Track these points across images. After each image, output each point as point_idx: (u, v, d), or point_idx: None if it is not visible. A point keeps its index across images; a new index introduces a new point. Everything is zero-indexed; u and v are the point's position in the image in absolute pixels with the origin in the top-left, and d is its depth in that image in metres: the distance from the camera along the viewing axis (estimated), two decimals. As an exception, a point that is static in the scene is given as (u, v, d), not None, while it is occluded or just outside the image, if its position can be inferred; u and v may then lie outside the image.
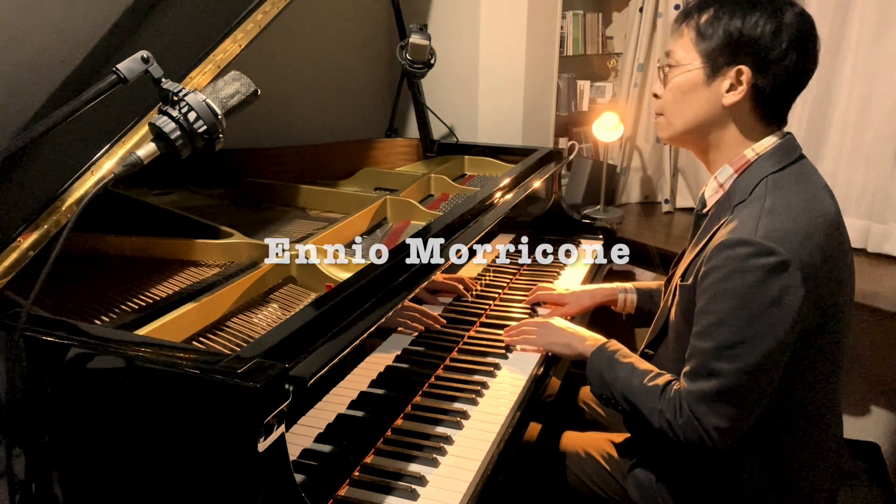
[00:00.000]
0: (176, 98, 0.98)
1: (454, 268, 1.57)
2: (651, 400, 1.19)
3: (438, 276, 1.47)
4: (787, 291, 1.04)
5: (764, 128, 1.18)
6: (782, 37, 1.11)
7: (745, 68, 1.13)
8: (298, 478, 0.91)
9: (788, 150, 1.18)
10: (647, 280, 2.27)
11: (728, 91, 1.15)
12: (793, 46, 1.12)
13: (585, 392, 1.67)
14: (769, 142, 1.18)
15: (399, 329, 1.34)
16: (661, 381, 1.20)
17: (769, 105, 1.16)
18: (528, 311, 1.67)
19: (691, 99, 1.19)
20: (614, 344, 1.34)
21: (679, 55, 1.19)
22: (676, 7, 2.57)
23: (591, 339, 1.37)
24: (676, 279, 1.25)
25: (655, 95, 1.26)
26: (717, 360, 1.08)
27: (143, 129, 1.13)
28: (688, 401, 1.12)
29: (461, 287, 1.56)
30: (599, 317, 1.76)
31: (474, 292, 1.64)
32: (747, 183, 1.15)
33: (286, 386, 0.86)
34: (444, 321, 1.45)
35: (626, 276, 2.61)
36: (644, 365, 1.26)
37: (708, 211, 1.24)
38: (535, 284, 1.79)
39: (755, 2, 1.14)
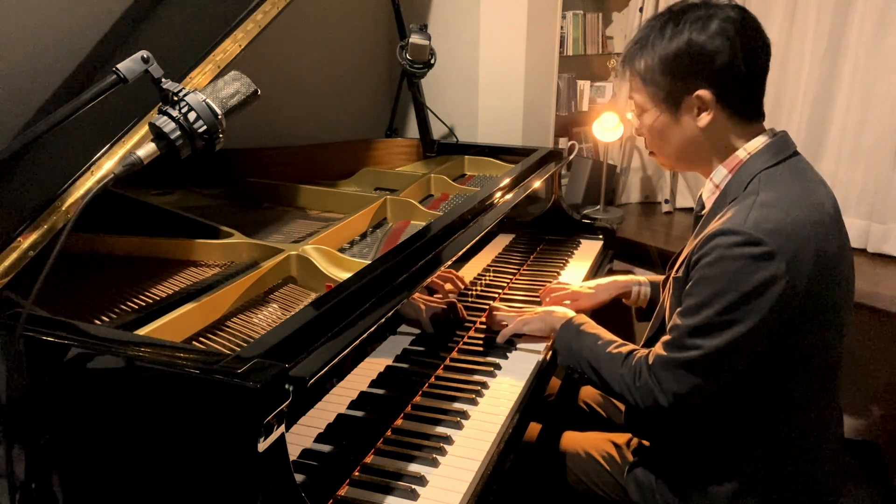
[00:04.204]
0: (176, 98, 0.98)
1: (455, 268, 1.57)
2: (614, 366, 1.26)
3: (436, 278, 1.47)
4: (770, 282, 1.06)
5: (747, 125, 1.20)
6: (718, 43, 1.12)
7: (702, 92, 1.15)
8: (298, 478, 0.91)
9: (781, 147, 1.18)
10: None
11: (698, 115, 1.17)
12: (735, 45, 1.12)
13: (585, 392, 1.67)
14: (760, 140, 1.19)
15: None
16: (624, 349, 1.28)
17: (742, 105, 1.18)
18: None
19: (669, 136, 1.23)
20: (581, 317, 1.42)
21: (638, 100, 1.24)
22: (676, 7, 2.57)
23: (559, 313, 1.46)
24: (672, 275, 1.26)
25: (639, 133, 1.30)
26: (692, 338, 1.13)
27: (143, 129, 1.13)
28: (656, 365, 1.18)
29: (450, 286, 1.55)
30: (600, 311, 1.76)
31: (474, 292, 1.64)
32: (741, 180, 1.17)
33: (286, 386, 0.86)
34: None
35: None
36: (609, 336, 1.34)
37: (706, 212, 1.25)
38: (535, 284, 1.79)
39: (679, 21, 1.15)
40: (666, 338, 1.19)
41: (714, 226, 1.12)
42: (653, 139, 1.26)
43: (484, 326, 1.56)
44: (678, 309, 1.17)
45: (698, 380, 1.14)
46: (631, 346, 1.29)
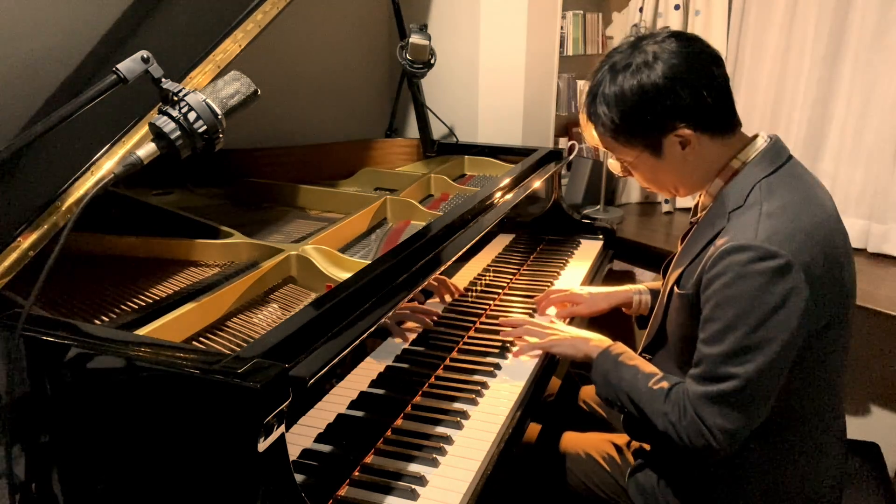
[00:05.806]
0: (176, 98, 0.98)
1: (455, 268, 1.57)
2: (656, 403, 1.18)
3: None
4: (792, 293, 1.04)
5: (731, 137, 1.19)
6: (676, 83, 1.11)
7: (681, 130, 1.14)
8: (298, 478, 0.91)
9: (776, 154, 1.18)
10: (647, 280, 2.27)
11: (684, 150, 1.16)
12: (689, 80, 1.11)
13: (585, 392, 1.67)
14: (753, 148, 1.18)
15: (398, 332, 1.33)
16: (665, 384, 1.19)
17: (720, 125, 1.17)
18: (531, 310, 1.67)
19: (660, 175, 1.23)
20: (619, 346, 1.32)
21: (617, 154, 1.23)
22: (676, 7, 2.57)
23: (595, 340, 1.36)
24: (670, 284, 1.25)
25: (627, 175, 1.29)
26: (726, 365, 1.08)
27: (143, 129, 1.13)
28: (694, 403, 1.12)
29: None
30: (601, 316, 1.75)
31: (474, 292, 1.64)
32: (740, 190, 1.15)
33: (286, 386, 0.86)
34: (437, 318, 1.43)
35: (626, 276, 2.61)
36: (649, 368, 1.25)
37: (699, 219, 1.25)
38: (534, 284, 1.79)
39: (625, 70, 1.13)
40: (696, 371, 1.13)
41: (722, 241, 1.10)
42: (645, 180, 1.26)
43: (484, 326, 1.56)
44: (702, 336, 1.12)
45: (743, 411, 1.09)
46: (673, 380, 1.20)
